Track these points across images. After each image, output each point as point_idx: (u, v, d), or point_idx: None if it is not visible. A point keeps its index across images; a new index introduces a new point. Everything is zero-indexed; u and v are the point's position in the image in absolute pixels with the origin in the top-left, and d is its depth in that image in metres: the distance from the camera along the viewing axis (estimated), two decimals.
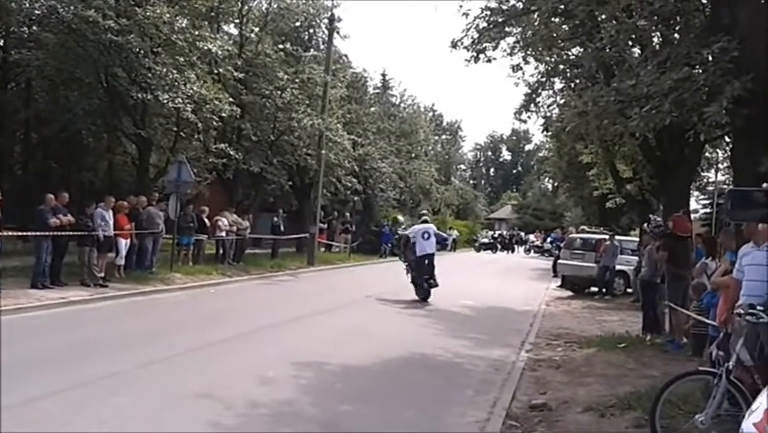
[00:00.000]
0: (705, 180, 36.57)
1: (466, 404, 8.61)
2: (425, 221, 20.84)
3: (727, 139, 16.11)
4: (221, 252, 23.37)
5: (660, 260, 12.52)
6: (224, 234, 23.18)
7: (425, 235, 19.42)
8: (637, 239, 22.74)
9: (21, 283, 14.83)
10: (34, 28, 21.65)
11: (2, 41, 25.06)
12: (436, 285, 18.99)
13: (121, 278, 17.47)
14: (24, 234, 16.20)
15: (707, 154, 25.78)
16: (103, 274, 16.70)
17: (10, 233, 15.82)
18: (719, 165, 32.01)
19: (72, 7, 18.72)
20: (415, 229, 20.19)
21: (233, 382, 8.70)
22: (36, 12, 20.08)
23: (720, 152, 26.20)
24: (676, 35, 13.36)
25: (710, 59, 10.42)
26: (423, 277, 19.01)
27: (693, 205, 36.86)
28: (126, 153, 26.02)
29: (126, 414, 7.07)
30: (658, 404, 6.59)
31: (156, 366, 9.22)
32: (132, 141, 23.42)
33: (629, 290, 22.37)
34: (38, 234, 15.10)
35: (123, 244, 17.67)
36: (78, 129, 24.03)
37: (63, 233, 15.54)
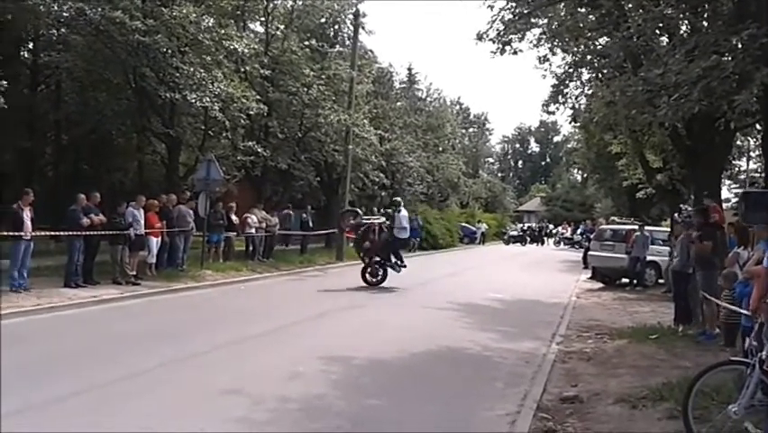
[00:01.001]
0: (737, 169, 36.06)
1: (496, 397, 8.59)
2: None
3: (758, 127, 15.89)
4: (250, 248, 23.53)
5: (704, 250, 12.34)
6: (253, 230, 23.32)
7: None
8: (668, 229, 22.52)
9: (54, 282, 15.07)
10: (63, 30, 21.87)
11: (31, 44, 25.41)
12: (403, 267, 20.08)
13: (152, 276, 17.66)
14: (57, 233, 16.41)
15: (738, 142, 25.43)
16: (134, 272, 16.89)
17: (42, 233, 16.05)
18: (751, 153, 31.59)
19: (100, 9, 18.88)
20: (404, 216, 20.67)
21: (263, 377, 8.76)
22: (64, 14, 20.26)
23: (752, 140, 25.84)
24: (704, 23, 13.18)
25: (739, 46, 10.28)
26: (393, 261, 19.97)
27: (725, 194, 36.43)
28: (156, 153, 26.25)
29: (157, 411, 7.14)
30: (690, 395, 6.52)
31: (187, 363, 9.31)
32: (161, 140, 23.63)
33: (661, 281, 22.16)
34: (70, 233, 15.31)
35: (155, 242, 17.86)
36: (108, 130, 24.34)
37: (95, 232, 15.75)
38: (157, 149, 25.73)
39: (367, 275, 19.83)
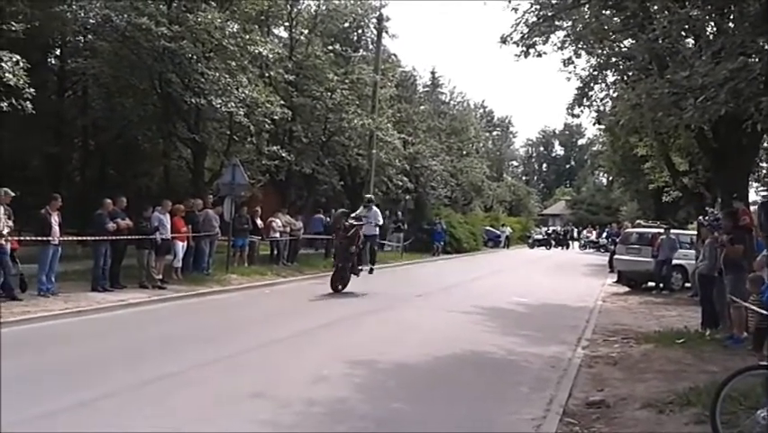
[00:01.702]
0: (764, 171, 35.62)
1: (521, 402, 8.55)
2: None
3: None
4: (275, 252, 23.62)
5: (735, 253, 12.20)
6: (277, 234, 23.41)
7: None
8: (695, 233, 22.33)
9: (82, 287, 15.24)
10: (89, 37, 22.17)
11: (59, 50, 25.68)
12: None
13: (178, 280, 17.80)
14: (83, 238, 16.57)
15: (765, 144, 25.14)
16: (161, 276, 17.02)
17: (70, 237, 16.21)
18: None
19: (126, 15, 19.08)
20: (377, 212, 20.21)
21: (288, 380, 8.80)
22: (91, 21, 20.51)
23: None
24: (730, 24, 13.05)
25: (766, 47, 10.17)
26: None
27: (753, 196, 35.98)
28: (181, 158, 26.43)
29: (182, 414, 7.19)
30: (718, 400, 6.46)
31: (212, 366, 9.36)
32: (186, 145, 23.79)
33: (687, 285, 21.95)
34: (96, 238, 15.47)
35: (181, 246, 17.99)
36: (134, 135, 24.54)
37: (122, 237, 15.90)
38: (183, 154, 25.91)
39: (338, 282, 18.53)
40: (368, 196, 21.87)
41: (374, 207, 20.05)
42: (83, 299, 14.10)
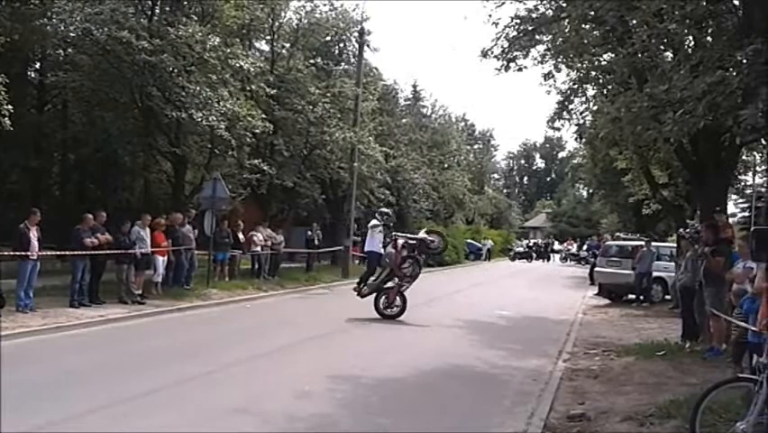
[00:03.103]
0: (743, 184, 36.02)
1: (503, 415, 8.55)
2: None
3: (764, 142, 15.88)
4: (256, 266, 23.53)
5: (716, 266, 12.26)
6: (258, 248, 23.32)
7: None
8: (674, 245, 22.45)
9: (60, 302, 15.08)
10: (70, 50, 22.02)
11: (39, 64, 25.56)
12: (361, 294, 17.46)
13: (158, 295, 17.66)
14: (63, 253, 16.43)
15: (744, 157, 25.41)
16: (140, 291, 16.90)
17: (48, 252, 16.07)
18: (757, 168, 31.55)
19: (106, 29, 18.95)
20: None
21: (269, 396, 8.76)
22: (71, 34, 20.36)
23: (758, 155, 25.81)
24: (709, 38, 13.20)
25: (744, 61, 10.28)
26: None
27: (731, 209, 36.36)
28: (162, 171, 26.29)
29: (165, 430, 7.12)
30: (698, 412, 6.50)
31: (194, 382, 9.29)
32: (167, 159, 23.67)
33: (667, 297, 22.06)
34: (75, 253, 15.34)
35: (161, 261, 17.87)
36: (114, 149, 24.37)
37: (101, 252, 15.77)
38: (163, 167, 25.78)
39: (382, 306, 17.05)
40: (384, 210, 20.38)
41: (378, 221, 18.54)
42: (61, 315, 13.95)
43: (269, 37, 28.18)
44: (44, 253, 15.07)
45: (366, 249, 18.51)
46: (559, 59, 16.87)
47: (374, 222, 18.45)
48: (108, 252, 16.05)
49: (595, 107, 17.93)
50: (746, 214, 37.27)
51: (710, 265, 12.21)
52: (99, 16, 19.06)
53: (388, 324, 16.23)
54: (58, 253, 16.74)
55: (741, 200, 39.60)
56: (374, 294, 17.17)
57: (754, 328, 8.27)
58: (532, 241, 67.18)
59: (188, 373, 9.63)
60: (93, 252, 15.45)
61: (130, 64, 19.72)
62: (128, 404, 7.96)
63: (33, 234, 14.25)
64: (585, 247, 49.24)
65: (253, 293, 20.64)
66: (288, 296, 21.69)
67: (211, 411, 7.88)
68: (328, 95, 27.12)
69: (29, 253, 14.02)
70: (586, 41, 15.09)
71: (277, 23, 27.74)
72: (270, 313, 17.84)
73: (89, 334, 13.15)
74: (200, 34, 19.85)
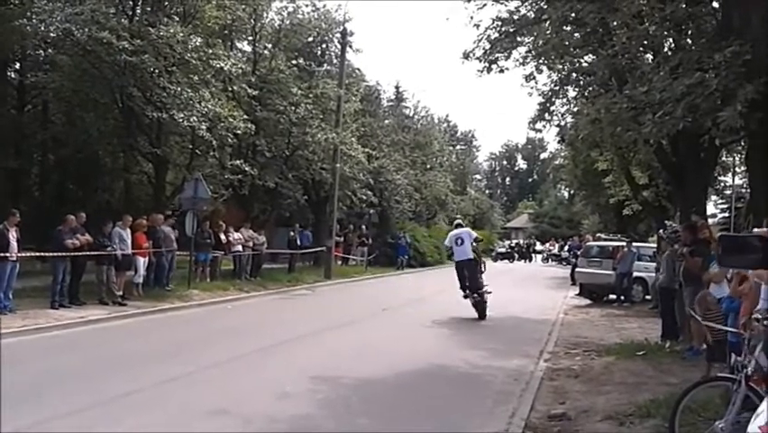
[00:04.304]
0: (723, 185, 36.30)
1: (485, 415, 8.57)
2: (459, 225, 19.88)
3: (743, 143, 16.00)
4: (238, 267, 23.45)
5: (694, 266, 12.33)
6: (238, 248, 23.23)
7: (459, 241, 18.29)
8: (655, 245, 22.59)
9: (40, 304, 14.99)
10: (50, 51, 21.87)
11: (18, 64, 25.36)
12: (482, 300, 17.87)
13: (139, 296, 17.58)
14: (43, 254, 16.33)
15: (723, 158, 25.62)
16: (121, 292, 16.81)
17: (29, 254, 15.96)
18: (737, 169, 31.79)
19: (87, 29, 18.83)
20: (450, 236, 19.03)
21: (250, 397, 8.73)
22: (51, 34, 20.23)
23: (737, 156, 26.00)
24: (688, 40, 13.31)
25: (723, 63, 10.35)
26: (467, 290, 17.88)
27: (711, 209, 36.62)
28: (143, 172, 26.12)
29: (144, 431, 7.10)
30: (677, 411, 6.55)
31: (175, 383, 9.26)
32: (148, 159, 23.56)
33: (648, 297, 22.20)
34: (55, 254, 15.23)
35: (142, 262, 17.79)
36: (95, 149, 24.25)
37: (81, 253, 15.67)
38: (144, 168, 25.63)
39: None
40: (456, 217, 21.09)
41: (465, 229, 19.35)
42: (42, 317, 13.86)
43: (251, 38, 28.11)
44: (24, 255, 14.97)
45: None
46: (540, 61, 16.89)
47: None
48: (89, 253, 15.96)
49: (576, 109, 17.98)
50: (726, 215, 37.53)
51: (689, 265, 12.29)
52: (80, 17, 18.95)
53: (371, 324, 16.25)
54: (38, 254, 16.63)
55: (721, 201, 39.90)
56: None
57: (731, 329, 8.33)
58: (514, 241, 67.38)
59: (169, 374, 9.59)
60: (73, 253, 15.36)
61: (110, 64, 19.63)
62: (108, 405, 7.92)
63: (13, 236, 14.15)
64: (566, 248, 49.40)
65: (235, 294, 20.58)
66: (269, 297, 21.64)
67: (191, 412, 7.85)
68: (310, 95, 27.08)
69: (8, 255, 13.93)
70: (567, 43, 15.13)
71: (259, 24, 27.66)
72: (252, 314, 17.80)
73: (70, 335, 13.08)
74: (181, 35, 19.77)
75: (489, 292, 18.22)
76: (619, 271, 22.70)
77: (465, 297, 17.93)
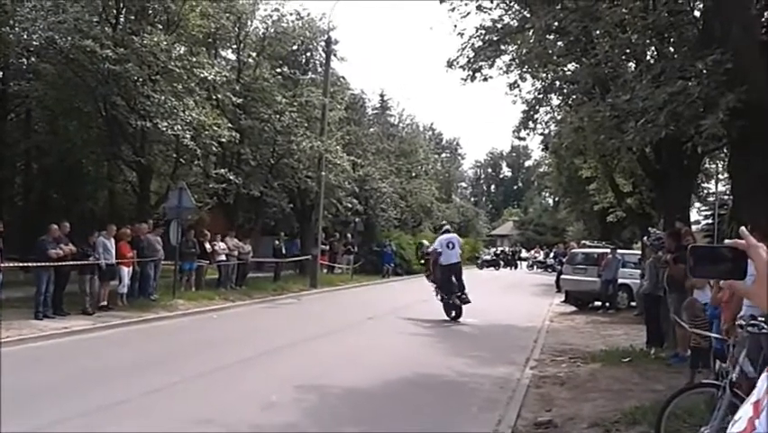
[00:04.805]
0: (706, 192, 36.49)
1: (471, 423, 8.58)
2: (447, 230, 20.71)
3: (725, 150, 16.12)
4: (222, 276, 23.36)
5: (678, 273, 12.40)
6: (223, 257, 23.15)
7: (450, 245, 19.26)
8: (639, 252, 22.70)
9: (24, 314, 14.85)
10: (33, 59, 21.76)
11: (1, 72, 25.20)
12: (467, 301, 18.90)
13: (123, 306, 17.47)
14: (26, 264, 16.20)
15: (706, 165, 25.78)
16: (105, 303, 16.72)
17: (12, 264, 15.84)
18: (719, 176, 31.98)
19: (70, 38, 18.75)
20: (440, 240, 19.80)
21: (236, 407, 8.69)
22: (34, 43, 20.15)
23: (720, 164, 26.18)
24: (670, 49, 13.40)
25: (704, 71, 10.43)
26: (451, 292, 18.82)
27: (695, 216, 36.81)
28: (126, 181, 26.01)
29: None
30: (663, 418, 6.58)
31: (160, 393, 9.21)
32: (132, 168, 23.47)
33: (633, 304, 22.29)
34: (39, 264, 15.13)
35: (126, 271, 17.69)
36: (78, 158, 24.15)
37: (65, 263, 15.57)
38: (128, 177, 25.52)
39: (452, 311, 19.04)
40: (443, 223, 22.40)
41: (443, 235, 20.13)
42: (25, 327, 13.73)
43: (235, 46, 28.09)
44: (7, 265, 14.86)
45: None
46: (524, 69, 16.99)
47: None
48: (73, 262, 15.86)
49: (559, 117, 18.08)
50: (710, 221, 37.71)
51: (672, 272, 12.35)
52: (63, 25, 18.86)
53: (357, 333, 16.21)
54: (21, 264, 16.50)
55: (704, 208, 40.10)
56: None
57: (715, 336, 8.39)
58: (499, 249, 67.45)
59: (154, 385, 9.53)
60: (57, 263, 15.26)
61: (94, 73, 19.56)
62: (92, 416, 7.86)
63: None
64: (552, 255, 49.55)
65: (220, 303, 20.48)
66: (255, 306, 21.55)
67: (176, 423, 7.80)
68: (295, 104, 27.03)
69: None
70: (550, 52, 15.22)
71: (243, 32, 27.65)
72: (237, 324, 17.72)
73: (53, 346, 12.98)
74: (165, 43, 19.72)
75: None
76: (604, 278, 22.81)
77: (442, 300, 18.97)
